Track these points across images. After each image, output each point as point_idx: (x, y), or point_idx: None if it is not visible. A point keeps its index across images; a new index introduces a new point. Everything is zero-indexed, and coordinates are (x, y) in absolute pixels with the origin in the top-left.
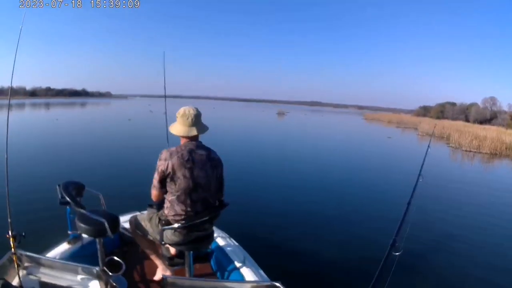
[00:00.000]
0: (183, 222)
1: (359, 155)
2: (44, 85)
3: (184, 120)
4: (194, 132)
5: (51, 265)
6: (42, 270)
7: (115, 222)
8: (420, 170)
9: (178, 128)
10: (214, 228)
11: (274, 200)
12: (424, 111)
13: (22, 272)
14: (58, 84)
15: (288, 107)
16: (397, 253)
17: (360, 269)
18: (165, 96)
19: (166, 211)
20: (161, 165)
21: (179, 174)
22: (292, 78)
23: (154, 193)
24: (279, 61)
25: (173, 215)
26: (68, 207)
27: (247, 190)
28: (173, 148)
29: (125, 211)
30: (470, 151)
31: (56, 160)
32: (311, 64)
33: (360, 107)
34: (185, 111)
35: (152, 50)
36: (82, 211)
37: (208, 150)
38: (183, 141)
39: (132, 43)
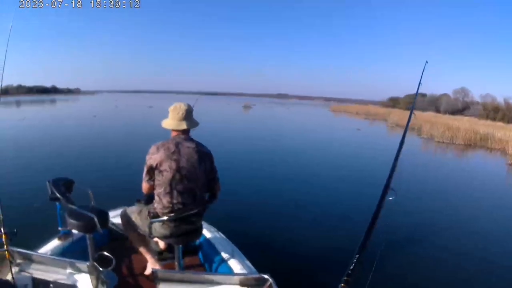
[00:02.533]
0: (171, 214)
1: (330, 148)
2: (15, 82)
3: (175, 115)
4: (183, 126)
5: (43, 261)
6: (34, 266)
7: (104, 217)
8: (394, 165)
9: (169, 122)
10: (202, 222)
11: (253, 194)
12: (393, 103)
13: (14, 269)
14: (28, 81)
15: (254, 100)
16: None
17: (341, 256)
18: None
19: (155, 205)
20: (149, 158)
21: (165, 166)
22: (258, 71)
23: (144, 185)
24: (244, 53)
25: (161, 208)
26: (58, 203)
27: (226, 185)
28: (161, 142)
29: (114, 206)
30: (443, 142)
31: (43, 157)
32: (277, 57)
33: (327, 99)
34: (176, 106)
35: (118, 47)
36: (72, 206)
37: (196, 143)
38: (173, 134)
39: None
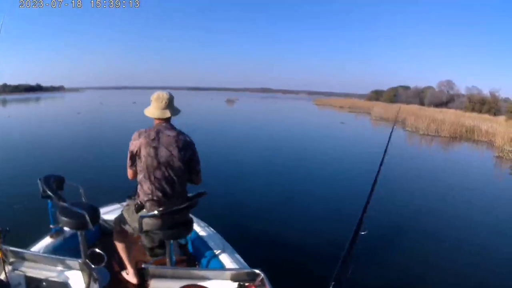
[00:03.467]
0: (153, 202)
1: (316, 142)
2: (0, 81)
3: (158, 104)
4: (166, 114)
5: (35, 259)
6: (27, 264)
7: (95, 214)
8: (383, 157)
9: (152, 111)
10: (193, 217)
11: (242, 189)
12: (377, 95)
13: (8, 268)
14: (13, 80)
15: (237, 94)
16: (363, 232)
17: (332, 249)
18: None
19: (138, 191)
20: (131, 144)
21: (144, 152)
22: (241, 65)
23: (128, 171)
24: (227, 48)
25: (143, 195)
26: (49, 201)
27: (216, 180)
28: (144, 129)
29: (105, 203)
30: (428, 135)
31: (33, 155)
32: (261, 51)
33: (311, 93)
34: (159, 95)
35: (100, 44)
36: (63, 204)
37: (178, 132)
38: (156, 122)
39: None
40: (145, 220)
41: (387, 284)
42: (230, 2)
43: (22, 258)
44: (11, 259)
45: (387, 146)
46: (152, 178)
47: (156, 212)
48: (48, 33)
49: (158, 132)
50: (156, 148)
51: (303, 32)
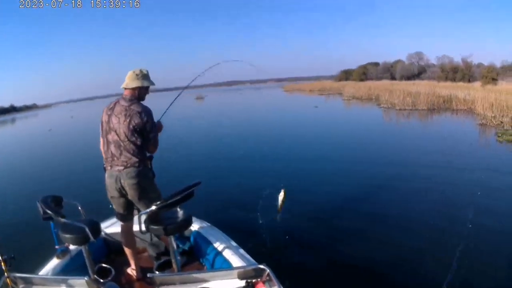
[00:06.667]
0: (106, 161)
1: (290, 128)
2: None
3: (129, 75)
4: (127, 85)
5: (43, 282)
6: None
7: (95, 227)
8: None
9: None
10: (194, 218)
11: (234, 182)
12: (346, 75)
13: None
14: None
15: (205, 91)
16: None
17: (332, 243)
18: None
19: None
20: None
21: (103, 119)
22: (201, 60)
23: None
24: (188, 41)
25: (104, 157)
26: (51, 221)
27: (210, 174)
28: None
29: (105, 217)
30: (405, 109)
31: (28, 176)
32: (221, 42)
33: (279, 80)
34: (134, 70)
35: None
36: (63, 220)
37: (132, 103)
38: (124, 93)
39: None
40: (146, 221)
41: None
42: None
43: (30, 283)
44: (21, 285)
45: None
46: (106, 141)
47: (153, 207)
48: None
49: (116, 102)
50: (109, 116)
51: (261, 19)
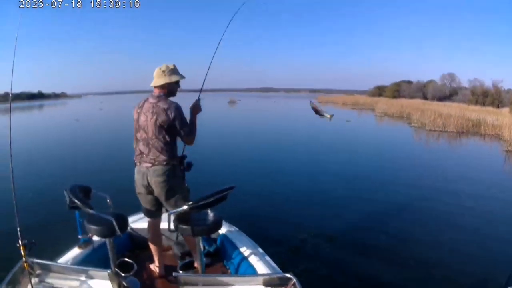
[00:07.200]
0: (136, 157)
1: (327, 142)
2: (1, 90)
3: (156, 73)
4: (155, 83)
5: (62, 270)
6: (54, 276)
7: (123, 221)
8: None
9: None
10: (223, 221)
11: (266, 190)
12: (379, 91)
13: (34, 280)
14: (15, 87)
15: (239, 95)
16: None
17: (362, 256)
18: None
19: None
20: None
21: (134, 117)
22: (242, 64)
23: None
24: (226, 48)
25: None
26: (77, 211)
27: (243, 179)
28: None
29: (133, 212)
30: (435, 130)
31: (55, 165)
32: (262, 50)
33: (313, 91)
34: (160, 66)
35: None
36: (91, 211)
37: (159, 99)
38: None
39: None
40: (175, 220)
41: None
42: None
43: (48, 270)
44: (38, 271)
45: None
46: (136, 139)
47: (185, 207)
48: (47, 37)
49: (145, 100)
50: (138, 114)
51: (301, 30)
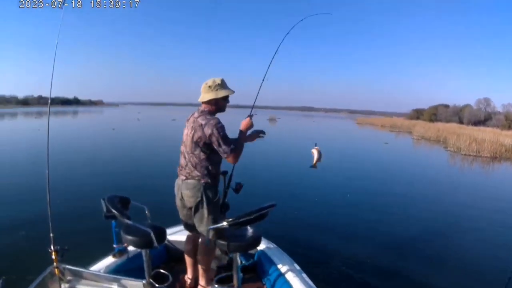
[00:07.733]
0: (178, 169)
1: (361, 162)
2: (36, 93)
3: (202, 88)
4: (202, 99)
5: (94, 278)
6: (85, 283)
7: (161, 233)
8: None
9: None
10: (262, 238)
11: (306, 209)
12: (417, 114)
13: (64, 286)
14: (48, 92)
15: (278, 113)
16: None
17: (406, 275)
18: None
19: None
20: None
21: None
22: (281, 83)
23: None
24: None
25: None
26: (113, 220)
27: (284, 196)
28: None
29: (171, 224)
30: (470, 155)
31: (92, 172)
32: (302, 69)
33: (352, 111)
34: (207, 81)
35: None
36: (129, 222)
37: (201, 115)
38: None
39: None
40: (215, 233)
41: None
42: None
43: (80, 276)
44: (68, 277)
45: None
46: (181, 151)
47: (225, 223)
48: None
49: (192, 114)
50: (185, 127)
51: (343, 49)
